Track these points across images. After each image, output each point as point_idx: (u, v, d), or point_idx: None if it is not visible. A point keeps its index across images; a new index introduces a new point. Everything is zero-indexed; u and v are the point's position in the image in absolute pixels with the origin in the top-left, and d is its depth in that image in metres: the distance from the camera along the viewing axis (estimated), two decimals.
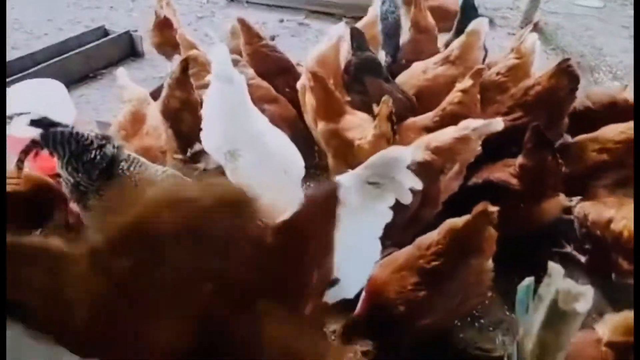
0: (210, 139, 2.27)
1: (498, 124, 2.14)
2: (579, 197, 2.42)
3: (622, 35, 4.90)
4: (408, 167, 1.56)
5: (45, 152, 1.75)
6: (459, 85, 2.55)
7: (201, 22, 5.12)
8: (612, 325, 1.42)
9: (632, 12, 5.36)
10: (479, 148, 2.17)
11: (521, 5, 5.14)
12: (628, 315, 1.42)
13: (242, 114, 2.16)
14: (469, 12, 3.35)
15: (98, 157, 1.73)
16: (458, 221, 1.76)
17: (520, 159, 2.30)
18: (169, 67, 3.75)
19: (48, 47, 3.88)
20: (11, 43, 4.47)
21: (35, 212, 1.82)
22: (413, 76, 3.02)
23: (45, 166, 2.39)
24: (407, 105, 2.69)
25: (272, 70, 3.10)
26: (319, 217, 1.16)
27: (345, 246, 1.42)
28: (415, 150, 1.98)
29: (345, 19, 4.61)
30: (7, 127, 1.71)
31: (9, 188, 1.79)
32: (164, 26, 3.67)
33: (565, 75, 2.55)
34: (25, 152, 1.70)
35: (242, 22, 3.23)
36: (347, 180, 1.54)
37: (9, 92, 2.41)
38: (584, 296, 0.81)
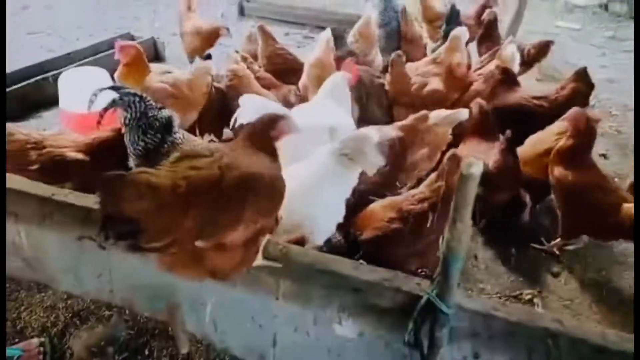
0: None
1: (463, 113, 2.65)
2: None
3: (595, 54, 5.43)
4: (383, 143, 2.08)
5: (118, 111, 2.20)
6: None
7: None
8: None
9: (608, 34, 5.90)
10: (449, 136, 2.68)
11: (505, 24, 5.65)
12: None
13: None
14: (452, 23, 3.93)
15: (159, 115, 2.21)
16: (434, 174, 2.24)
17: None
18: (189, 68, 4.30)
19: (82, 50, 4.40)
20: (47, 46, 5.01)
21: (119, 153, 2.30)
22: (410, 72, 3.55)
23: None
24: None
25: (286, 68, 3.68)
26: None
27: (321, 203, 1.95)
28: (382, 131, 2.48)
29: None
30: (92, 103, 2.16)
31: (102, 136, 2.36)
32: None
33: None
34: (105, 109, 2.17)
35: (262, 28, 3.76)
36: (327, 151, 2.08)
37: (62, 77, 2.91)
38: (477, 164, 1.26)
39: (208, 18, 6.04)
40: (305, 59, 3.61)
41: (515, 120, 2.83)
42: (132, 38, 4.81)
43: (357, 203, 2.27)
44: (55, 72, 3.91)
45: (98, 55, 4.32)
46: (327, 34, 3.43)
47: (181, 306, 1.99)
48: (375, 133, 2.23)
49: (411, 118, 2.69)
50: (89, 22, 5.67)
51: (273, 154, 1.69)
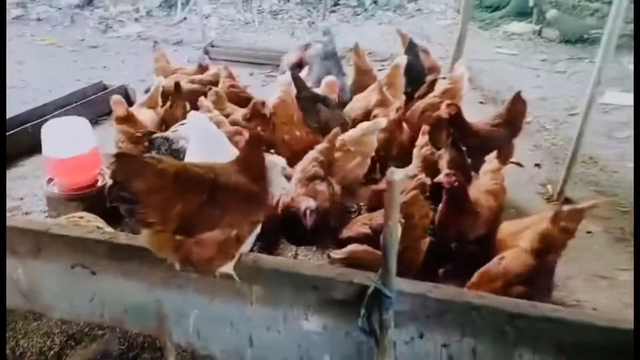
0: None
1: (381, 123, 3.19)
2: None
3: (531, 75, 6.01)
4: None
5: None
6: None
7: None
8: None
9: (541, 57, 6.51)
10: (375, 144, 3.20)
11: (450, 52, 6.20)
12: None
13: None
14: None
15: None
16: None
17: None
18: None
19: (58, 99, 4.69)
20: (21, 99, 5.27)
21: None
22: (359, 100, 4.03)
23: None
24: (346, 123, 3.62)
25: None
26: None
27: None
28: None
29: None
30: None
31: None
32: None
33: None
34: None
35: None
36: None
37: (44, 127, 3.20)
38: (398, 172, 1.61)
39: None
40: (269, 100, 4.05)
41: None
42: (105, 87, 5.14)
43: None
44: (32, 123, 4.21)
45: (73, 104, 4.61)
46: (286, 77, 3.81)
47: (169, 317, 2.26)
48: (280, 160, 2.60)
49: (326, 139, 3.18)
50: (60, 74, 5.96)
51: (259, 176, 2.03)
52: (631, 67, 5.84)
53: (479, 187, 2.99)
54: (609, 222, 3.44)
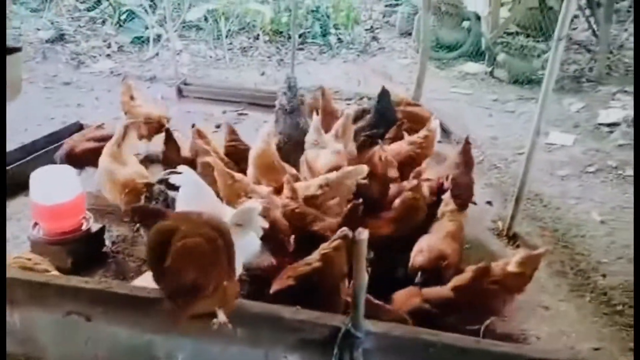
0: None
1: (363, 170, 3.48)
2: None
3: (484, 114, 6.53)
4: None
5: None
6: None
7: None
8: None
9: (493, 97, 7.07)
10: (354, 188, 3.49)
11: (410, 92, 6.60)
12: None
13: None
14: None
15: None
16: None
17: None
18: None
19: (37, 140, 4.82)
20: None
21: None
22: None
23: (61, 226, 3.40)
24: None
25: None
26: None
27: None
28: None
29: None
30: None
31: None
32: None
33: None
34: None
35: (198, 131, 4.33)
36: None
37: (32, 174, 3.40)
38: (365, 232, 1.93)
39: (148, 100, 6.69)
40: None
41: None
42: (82, 127, 5.30)
43: None
44: (12, 165, 4.35)
45: (52, 146, 4.75)
46: (267, 128, 4.10)
47: (159, 359, 2.49)
48: (257, 204, 2.87)
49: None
50: (35, 111, 6.07)
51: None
52: (573, 108, 6.46)
53: (440, 231, 3.33)
54: (551, 256, 3.85)
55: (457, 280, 2.87)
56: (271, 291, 2.73)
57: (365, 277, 2.11)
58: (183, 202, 2.87)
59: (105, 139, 4.15)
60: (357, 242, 1.95)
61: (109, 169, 3.80)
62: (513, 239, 4.06)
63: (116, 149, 3.88)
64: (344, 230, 2.75)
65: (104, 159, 3.85)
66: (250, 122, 6.15)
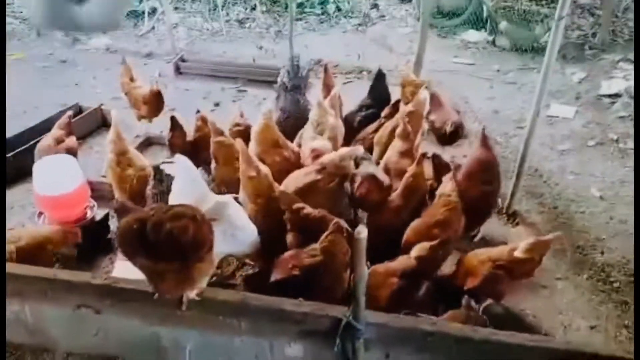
0: None
1: (359, 149, 3.51)
2: None
3: (485, 86, 6.45)
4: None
5: None
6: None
7: None
8: None
9: (495, 67, 6.96)
10: (352, 168, 3.51)
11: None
12: None
13: None
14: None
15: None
16: None
17: None
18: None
19: (36, 125, 4.82)
20: None
21: None
22: None
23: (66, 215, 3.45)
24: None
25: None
26: None
27: None
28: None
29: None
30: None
31: None
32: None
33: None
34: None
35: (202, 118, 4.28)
36: None
37: (35, 165, 3.43)
38: (364, 230, 1.97)
39: (146, 77, 6.62)
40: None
41: None
42: (81, 109, 5.29)
43: None
44: (13, 152, 4.38)
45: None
46: (269, 104, 4.12)
47: (167, 350, 2.58)
48: (230, 199, 2.94)
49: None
50: (32, 93, 6.03)
51: None
52: (574, 78, 6.38)
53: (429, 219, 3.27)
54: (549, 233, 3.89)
55: (419, 250, 2.90)
56: (273, 279, 2.78)
57: (365, 271, 2.16)
58: (176, 193, 2.89)
59: None
60: (357, 241, 1.98)
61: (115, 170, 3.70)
62: (512, 216, 4.09)
63: (118, 142, 3.76)
64: (336, 221, 2.78)
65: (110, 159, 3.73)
66: (249, 98, 6.11)
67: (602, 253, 3.73)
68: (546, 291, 3.42)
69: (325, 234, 2.76)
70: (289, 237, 3.05)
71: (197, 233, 2.19)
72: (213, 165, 3.87)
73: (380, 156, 4.04)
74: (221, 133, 3.86)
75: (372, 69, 6.76)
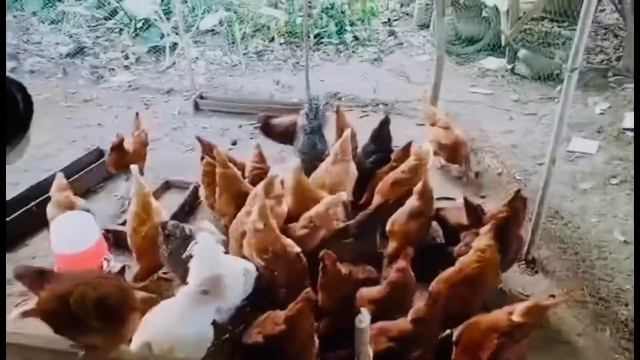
0: None
1: (342, 196, 3.58)
2: None
3: (504, 118, 6.33)
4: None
5: None
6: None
7: (175, 132, 6.32)
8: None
9: (514, 97, 6.85)
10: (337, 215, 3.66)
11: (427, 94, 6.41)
12: None
13: None
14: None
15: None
16: None
17: None
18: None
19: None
20: (22, 166, 5.51)
21: None
22: None
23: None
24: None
25: None
26: None
27: (186, 331, 2.62)
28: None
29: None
30: None
31: None
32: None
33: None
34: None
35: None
36: (188, 289, 2.73)
37: (53, 224, 3.52)
38: (364, 315, 1.94)
39: (166, 116, 6.76)
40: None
41: None
42: (101, 153, 5.42)
43: None
44: (36, 201, 4.49)
45: (71, 179, 4.85)
46: (296, 162, 4.18)
47: None
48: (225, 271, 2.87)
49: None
50: (56, 134, 6.18)
51: None
52: (597, 109, 6.21)
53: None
54: (570, 283, 3.79)
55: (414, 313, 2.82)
56: (243, 342, 2.79)
57: (369, 350, 2.13)
58: (196, 269, 2.84)
59: None
60: (361, 331, 1.96)
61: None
62: (531, 263, 3.99)
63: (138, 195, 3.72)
64: (307, 291, 2.73)
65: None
66: None
67: (626, 305, 3.60)
68: (566, 348, 3.31)
69: (293, 303, 2.71)
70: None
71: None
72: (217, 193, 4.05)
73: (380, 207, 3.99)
74: (226, 165, 4.01)
75: (388, 101, 6.78)
